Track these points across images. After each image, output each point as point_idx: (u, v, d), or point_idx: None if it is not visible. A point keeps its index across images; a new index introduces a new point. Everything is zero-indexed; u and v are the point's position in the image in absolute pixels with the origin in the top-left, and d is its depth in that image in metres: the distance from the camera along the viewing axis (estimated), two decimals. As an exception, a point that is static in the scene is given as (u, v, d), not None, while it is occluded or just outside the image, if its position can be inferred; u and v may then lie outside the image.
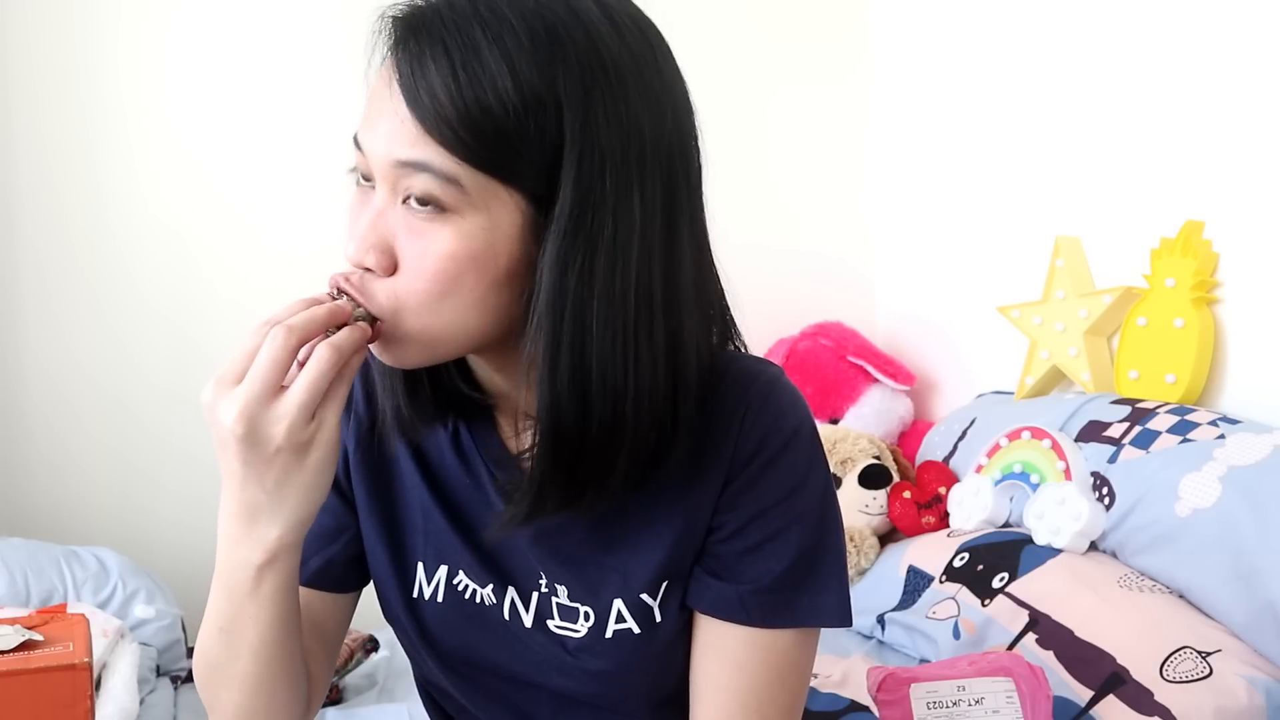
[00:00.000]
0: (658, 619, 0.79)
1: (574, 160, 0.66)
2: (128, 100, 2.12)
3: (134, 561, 1.86)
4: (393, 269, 0.69)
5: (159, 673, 1.74)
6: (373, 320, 0.69)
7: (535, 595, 0.81)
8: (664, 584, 0.79)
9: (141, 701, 1.55)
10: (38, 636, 1.23)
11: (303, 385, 0.66)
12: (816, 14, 2.48)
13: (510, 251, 0.68)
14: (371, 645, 1.78)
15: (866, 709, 1.39)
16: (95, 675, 1.40)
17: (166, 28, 2.13)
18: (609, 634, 0.79)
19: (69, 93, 2.08)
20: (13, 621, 1.28)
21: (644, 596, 0.79)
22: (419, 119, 0.66)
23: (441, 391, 0.80)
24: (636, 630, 0.79)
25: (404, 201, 0.68)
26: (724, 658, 0.78)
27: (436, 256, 0.67)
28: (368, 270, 0.69)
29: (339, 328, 0.68)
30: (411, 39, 0.67)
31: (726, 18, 2.35)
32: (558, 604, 0.81)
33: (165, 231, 2.14)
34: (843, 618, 0.80)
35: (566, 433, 0.69)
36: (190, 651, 1.84)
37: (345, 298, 0.70)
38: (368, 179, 0.71)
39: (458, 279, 0.68)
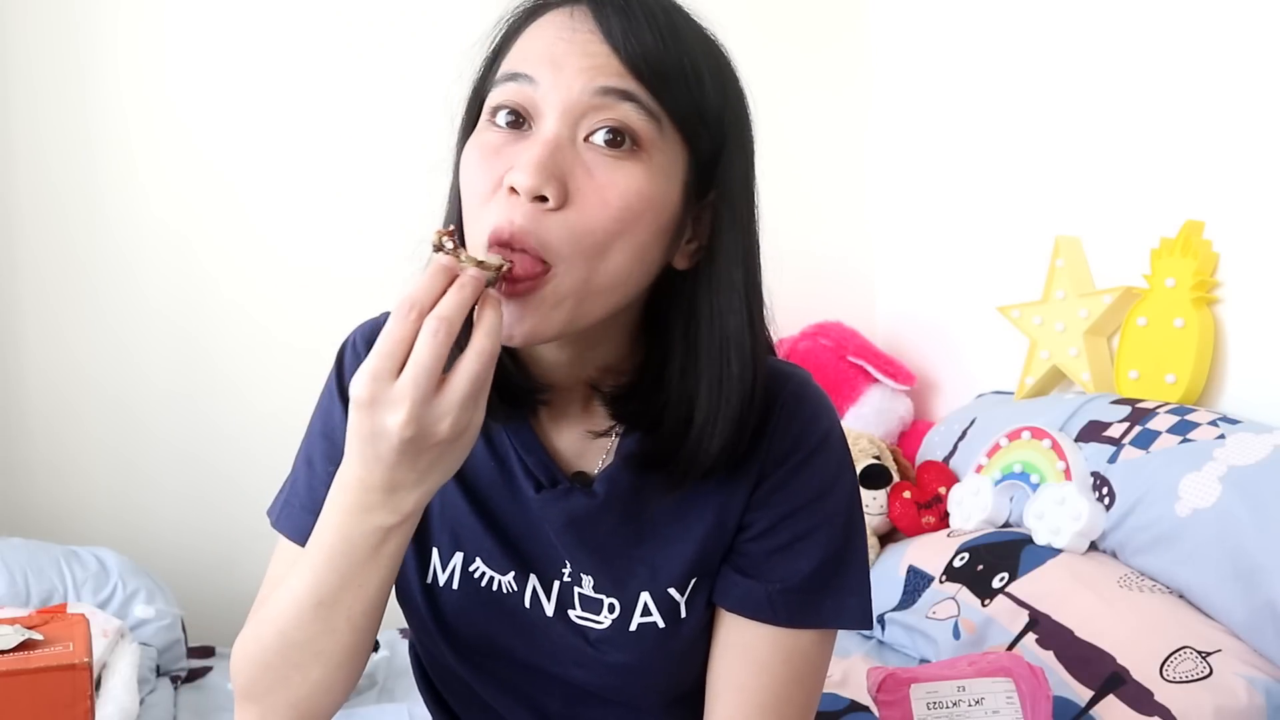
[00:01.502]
0: (683, 615, 0.80)
1: (739, 146, 0.74)
2: (127, 97, 2.12)
3: (134, 561, 1.86)
4: (563, 204, 0.68)
5: (159, 673, 1.74)
6: (496, 280, 0.66)
7: (557, 584, 0.82)
8: (693, 580, 0.80)
9: (141, 701, 1.55)
10: (38, 636, 1.23)
11: (466, 381, 0.63)
12: (817, 16, 2.48)
13: (674, 204, 0.72)
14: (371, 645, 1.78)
15: (866, 709, 1.39)
16: (95, 675, 1.40)
17: (166, 23, 2.13)
18: (633, 627, 0.80)
19: (69, 90, 2.08)
20: (13, 621, 1.28)
21: (672, 591, 0.80)
22: (627, 61, 0.68)
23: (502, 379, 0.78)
24: (661, 625, 0.80)
25: (586, 139, 0.68)
26: (746, 656, 0.79)
27: (624, 191, 0.68)
28: (539, 200, 0.67)
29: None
30: (619, 3, 0.70)
31: (728, 19, 2.35)
32: (580, 594, 0.81)
33: (166, 229, 2.14)
34: (865, 620, 0.81)
35: (746, 396, 0.74)
36: (191, 651, 1.85)
37: (459, 252, 0.66)
38: (517, 119, 0.70)
39: (639, 216, 0.69)
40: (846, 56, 2.50)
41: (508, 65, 0.72)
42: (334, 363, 0.87)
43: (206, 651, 1.89)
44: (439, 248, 0.66)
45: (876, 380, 2.25)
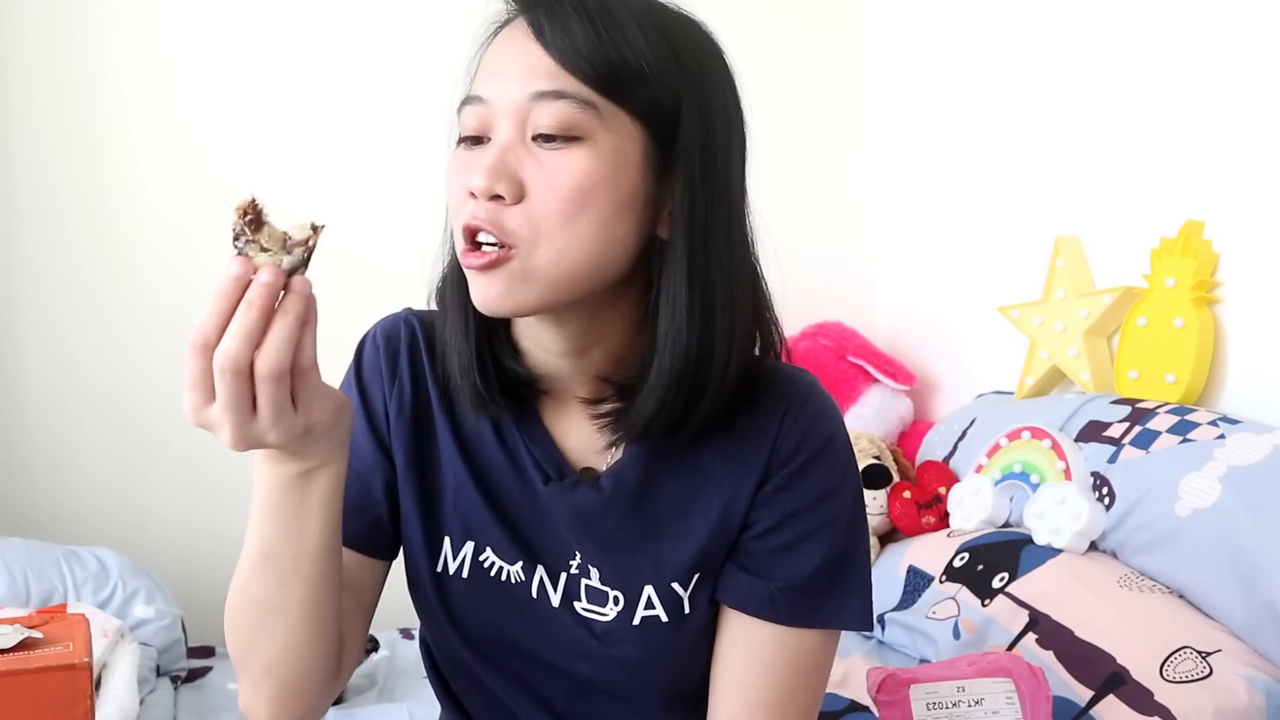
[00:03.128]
0: (686, 610, 0.81)
1: (695, 112, 0.75)
2: (128, 94, 2.11)
3: (134, 561, 1.86)
4: (520, 198, 0.72)
5: (159, 673, 1.74)
6: (306, 261, 0.66)
7: (564, 575, 0.83)
8: (696, 575, 0.81)
9: (141, 701, 1.55)
10: (38, 636, 1.23)
11: (269, 406, 0.64)
12: (815, 11, 2.48)
13: (633, 178, 0.74)
14: (371, 645, 1.78)
15: (866, 709, 1.39)
16: (95, 675, 1.40)
17: (167, 22, 2.13)
18: (637, 620, 0.81)
19: (69, 88, 2.08)
20: (13, 621, 1.28)
21: (675, 586, 0.81)
22: (558, 59, 0.72)
23: (504, 374, 0.81)
24: (664, 619, 0.81)
25: (533, 139, 0.72)
26: (750, 654, 0.80)
27: (572, 173, 0.71)
28: (496, 199, 0.71)
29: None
30: (547, 3, 0.73)
31: (724, 14, 2.34)
32: (586, 585, 0.82)
33: (166, 227, 2.14)
34: (866, 622, 0.82)
35: (690, 357, 0.75)
36: (191, 651, 1.85)
37: (260, 235, 0.65)
38: (478, 137, 0.74)
39: (591, 195, 0.71)
40: (845, 55, 2.50)
41: (470, 88, 0.77)
42: (354, 356, 0.90)
43: (206, 651, 1.89)
44: (237, 235, 0.65)
45: (876, 380, 2.25)
